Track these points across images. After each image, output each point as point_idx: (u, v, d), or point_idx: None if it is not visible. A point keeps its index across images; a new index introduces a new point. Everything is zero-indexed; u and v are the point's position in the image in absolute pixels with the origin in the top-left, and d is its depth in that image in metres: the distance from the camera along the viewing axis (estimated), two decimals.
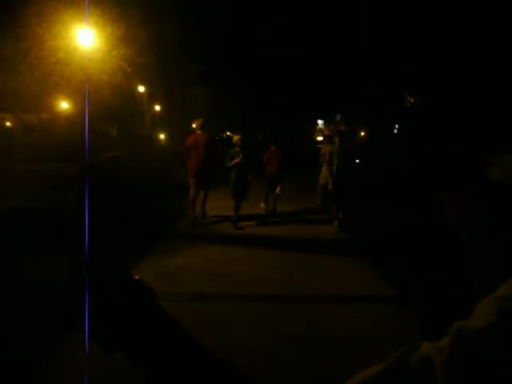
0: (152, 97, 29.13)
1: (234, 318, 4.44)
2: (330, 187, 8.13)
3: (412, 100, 23.39)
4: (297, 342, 3.96)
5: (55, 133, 26.87)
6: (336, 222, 8.24)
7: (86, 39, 14.41)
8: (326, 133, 14.73)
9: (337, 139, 8.25)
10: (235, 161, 8.07)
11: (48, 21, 15.76)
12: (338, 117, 33.81)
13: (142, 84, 27.05)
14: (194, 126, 8.76)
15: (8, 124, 27.86)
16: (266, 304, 4.93)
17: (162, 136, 27.73)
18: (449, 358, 0.51)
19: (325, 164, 8.33)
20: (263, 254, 6.66)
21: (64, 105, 26.69)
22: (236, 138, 8.34)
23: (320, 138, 33.37)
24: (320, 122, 38.09)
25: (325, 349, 3.86)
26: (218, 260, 6.25)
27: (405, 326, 4.31)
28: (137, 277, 0.65)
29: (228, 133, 33.18)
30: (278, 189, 9.16)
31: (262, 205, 9.34)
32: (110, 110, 23.63)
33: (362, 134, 35.05)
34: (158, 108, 30.81)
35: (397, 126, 29.37)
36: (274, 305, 4.90)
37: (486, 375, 0.48)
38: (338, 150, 8.06)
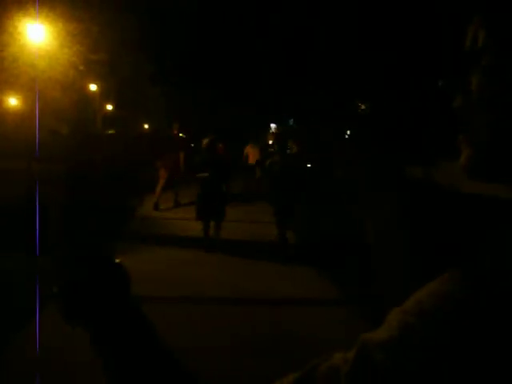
0: (104, 96, 28.60)
1: (183, 320, 4.45)
2: None
3: (363, 106, 23.83)
4: (244, 345, 4.00)
5: (3, 130, 26.02)
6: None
7: (36, 35, 14.04)
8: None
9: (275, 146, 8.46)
10: (203, 175, 6.95)
11: None
12: (291, 121, 34.06)
13: (94, 82, 26.53)
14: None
15: None
16: (213, 307, 4.95)
17: None
18: (352, 369, 0.52)
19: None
20: (211, 256, 6.68)
21: (13, 101, 25.88)
22: (205, 141, 7.07)
23: (272, 142, 33.52)
24: (273, 125, 38.30)
25: (272, 351, 3.91)
26: (166, 262, 6.22)
27: (353, 328, 4.40)
28: (118, 260, 0.67)
29: (180, 134, 32.81)
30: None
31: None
32: (61, 108, 23.06)
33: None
34: (110, 107, 30.29)
35: (348, 131, 29.82)
36: (224, 307, 4.93)
37: None
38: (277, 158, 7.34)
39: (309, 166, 10.48)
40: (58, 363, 3.40)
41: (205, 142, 7.03)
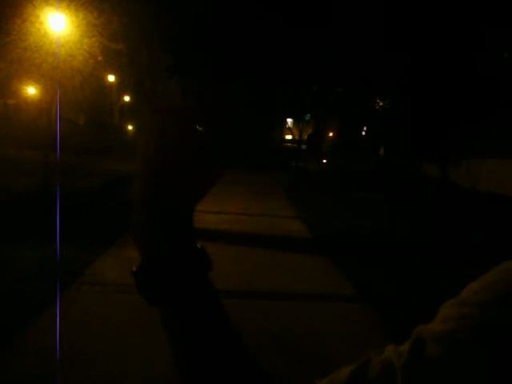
0: (122, 87, 28.74)
1: None
2: None
3: (381, 103, 23.65)
4: (259, 340, 3.99)
5: (21, 119, 26.28)
6: None
7: (57, 24, 14.08)
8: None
9: None
10: None
11: (17, 5, 15.33)
12: (308, 116, 33.95)
13: (112, 73, 26.65)
14: None
15: None
16: (227, 300, 4.95)
17: (130, 127, 27.46)
18: (407, 361, 0.51)
19: None
20: (229, 250, 6.68)
21: (31, 90, 26.10)
22: None
23: (289, 137, 33.41)
24: (289, 120, 38.17)
25: (287, 347, 3.90)
26: None
27: (367, 324, 4.39)
28: (199, 245, 0.67)
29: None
30: None
31: None
32: (78, 98, 23.21)
33: (331, 134, 35.26)
34: (127, 98, 30.42)
35: (365, 128, 29.64)
36: (239, 301, 4.93)
37: (443, 381, 0.48)
38: None
39: None
40: (73, 356, 3.40)
41: None
